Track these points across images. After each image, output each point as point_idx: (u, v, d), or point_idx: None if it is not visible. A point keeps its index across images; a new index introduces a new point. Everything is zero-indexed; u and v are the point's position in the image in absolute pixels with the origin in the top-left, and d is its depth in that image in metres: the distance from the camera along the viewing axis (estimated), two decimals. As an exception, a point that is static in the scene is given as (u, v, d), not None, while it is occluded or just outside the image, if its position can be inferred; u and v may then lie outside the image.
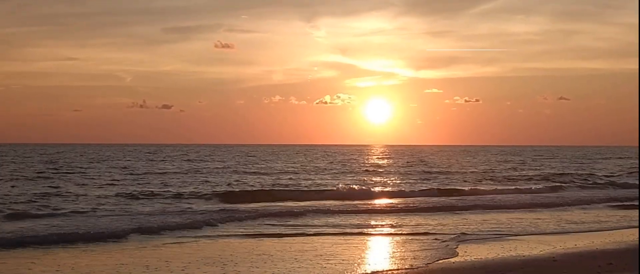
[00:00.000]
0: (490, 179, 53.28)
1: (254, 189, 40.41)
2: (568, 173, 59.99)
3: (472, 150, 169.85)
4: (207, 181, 46.30)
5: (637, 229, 22.53)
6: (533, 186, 45.55)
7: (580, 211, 30.08)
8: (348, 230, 22.15)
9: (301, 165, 74.46)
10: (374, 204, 32.56)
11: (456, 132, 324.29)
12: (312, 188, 41.69)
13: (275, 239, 19.81)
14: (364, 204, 31.86)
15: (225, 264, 15.33)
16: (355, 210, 29.18)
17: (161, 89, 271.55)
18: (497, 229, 22.68)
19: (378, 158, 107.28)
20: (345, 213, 27.75)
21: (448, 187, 43.28)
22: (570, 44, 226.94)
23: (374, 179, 52.70)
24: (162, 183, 44.30)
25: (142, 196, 33.79)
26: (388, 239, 20.51)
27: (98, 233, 19.82)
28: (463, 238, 20.11)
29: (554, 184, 47.28)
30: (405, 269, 14.86)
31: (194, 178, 50.08)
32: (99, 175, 51.03)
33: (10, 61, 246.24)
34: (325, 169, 66.81)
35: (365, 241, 20.08)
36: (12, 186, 39.05)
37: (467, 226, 23.29)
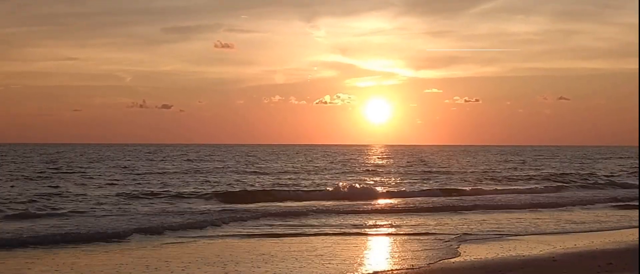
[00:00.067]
0: (490, 179, 53.28)
1: (254, 189, 40.39)
2: (568, 173, 59.99)
3: (472, 150, 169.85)
4: (207, 181, 46.29)
5: (637, 229, 22.54)
6: (533, 186, 45.54)
7: (581, 211, 30.08)
8: (348, 230, 22.14)
9: (301, 165, 74.44)
10: (375, 204, 32.54)
11: (456, 132, 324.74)
12: (312, 188, 41.67)
13: (276, 240, 19.81)
14: (365, 204, 31.84)
15: (225, 264, 15.33)
16: (356, 210, 29.16)
17: (161, 89, 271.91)
18: (497, 229, 22.68)
19: (378, 158, 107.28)
20: (345, 213, 27.73)
21: (448, 187, 43.28)
22: (570, 44, 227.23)
23: (374, 179, 52.70)
24: (162, 183, 44.29)
25: (142, 196, 33.76)
26: (389, 239, 20.51)
27: (98, 233, 19.81)
28: (464, 238, 20.11)
29: (555, 184, 47.28)
30: (406, 269, 14.86)
31: (194, 178, 50.06)
32: (99, 175, 51.02)
33: (10, 61, 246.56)
34: (325, 169, 66.81)
35: (365, 241, 20.09)
36: (12, 186, 39.04)
37: (467, 226, 23.29)
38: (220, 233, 21.19)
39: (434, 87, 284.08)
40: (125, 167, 64.32)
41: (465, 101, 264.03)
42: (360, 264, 15.62)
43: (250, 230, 22.01)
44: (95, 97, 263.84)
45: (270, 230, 22.03)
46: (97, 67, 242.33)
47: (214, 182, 45.84)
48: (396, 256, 16.91)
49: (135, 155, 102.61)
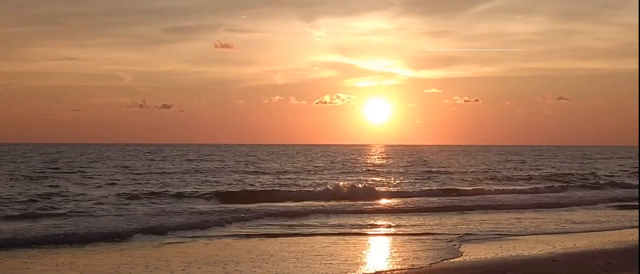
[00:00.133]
0: (490, 179, 53.31)
1: (255, 189, 40.40)
2: (569, 173, 59.99)
3: (472, 150, 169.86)
4: (207, 181, 46.31)
5: (637, 229, 22.56)
6: (533, 186, 45.56)
7: (580, 212, 30.09)
8: (349, 230, 22.14)
9: (301, 165, 74.47)
10: (375, 204, 32.54)
11: (456, 132, 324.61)
12: (312, 188, 41.66)
13: (276, 239, 19.81)
14: (365, 204, 31.83)
15: (226, 264, 15.33)
16: (356, 210, 29.17)
17: (161, 89, 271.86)
18: (497, 229, 22.69)
19: (378, 158, 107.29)
20: (346, 213, 27.75)
21: (449, 187, 43.29)
22: (570, 44, 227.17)
23: (374, 179, 52.71)
24: (162, 183, 44.30)
25: (142, 196, 33.73)
26: (389, 239, 20.52)
27: (98, 233, 19.80)
28: (465, 238, 20.12)
29: (555, 184, 47.30)
30: (407, 269, 14.87)
31: (194, 178, 50.08)
32: (99, 175, 51.04)
33: (10, 61, 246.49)
34: (326, 169, 66.83)
35: (366, 241, 20.10)
36: (12, 186, 39.05)
37: (468, 226, 23.30)
38: (221, 233, 21.19)
39: (434, 87, 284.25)
40: (125, 167, 64.34)
41: (465, 101, 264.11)
42: (361, 264, 15.64)
43: (251, 230, 22.02)
44: (95, 97, 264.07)
45: (270, 230, 22.03)
46: (97, 67, 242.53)
47: (214, 182, 45.86)
48: (397, 256, 16.92)
49: (135, 155, 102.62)
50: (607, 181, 51.27)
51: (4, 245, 17.63)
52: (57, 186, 39.79)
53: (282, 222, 24.45)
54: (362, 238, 20.59)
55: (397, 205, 31.95)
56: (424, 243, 19.16)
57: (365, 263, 15.94)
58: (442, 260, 15.97)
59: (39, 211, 26.01)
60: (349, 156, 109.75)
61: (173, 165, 72.02)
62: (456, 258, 16.39)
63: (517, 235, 21.10)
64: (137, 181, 44.93)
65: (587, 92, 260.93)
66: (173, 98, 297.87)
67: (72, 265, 15.21)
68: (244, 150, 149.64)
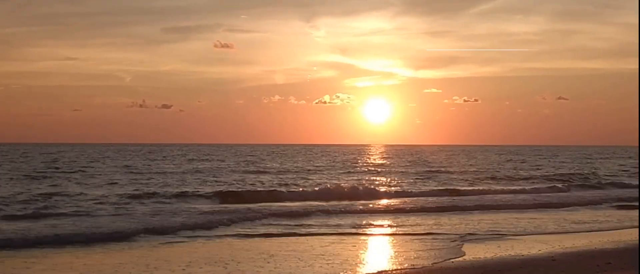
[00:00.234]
0: (491, 179, 53.31)
1: (255, 189, 40.42)
2: (568, 173, 59.97)
3: (472, 150, 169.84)
4: (207, 181, 46.32)
5: (636, 229, 22.60)
6: (534, 186, 45.59)
7: (580, 211, 30.13)
8: (350, 230, 22.17)
9: (301, 165, 74.49)
10: (376, 204, 32.59)
11: (455, 132, 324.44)
12: (313, 187, 41.67)
13: (278, 239, 19.84)
14: (366, 204, 31.87)
15: (227, 263, 15.36)
16: (358, 210, 29.22)
17: (161, 89, 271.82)
18: (497, 229, 22.72)
19: (378, 158, 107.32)
20: (347, 213, 27.80)
21: (449, 187, 43.30)
22: (569, 44, 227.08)
23: (375, 179, 52.74)
24: (162, 182, 44.30)
25: (143, 196, 33.70)
26: (391, 239, 20.56)
27: (99, 234, 19.81)
28: (468, 238, 20.14)
29: (554, 184, 47.32)
30: (408, 269, 14.90)
31: (194, 178, 50.09)
32: (100, 175, 51.06)
33: (10, 61, 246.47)
34: (326, 169, 66.85)
35: (367, 241, 20.15)
36: (12, 186, 39.08)
37: (468, 226, 23.34)
38: (222, 233, 21.22)
39: (434, 87, 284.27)
40: (125, 166, 64.33)
41: (465, 101, 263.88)
42: (362, 264, 15.68)
43: (252, 230, 22.04)
44: (95, 96, 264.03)
45: (271, 230, 22.04)
46: (97, 67, 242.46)
47: (215, 182, 45.88)
48: (399, 256, 16.93)
49: (136, 155, 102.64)
50: (607, 181, 51.26)
51: (5, 245, 17.64)
52: (57, 185, 39.83)
53: (284, 222, 24.48)
54: (363, 238, 20.64)
55: (397, 204, 31.99)
56: (425, 243, 19.19)
57: (366, 263, 15.99)
58: (445, 260, 16.00)
59: (40, 211, 25.98)
60: (349, 156, 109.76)
61: (173, 164, 72.03)
62: (459, 257, 16.42)
63: (516, 235, 21.14)
64: (138, 181, 44.94)
65: (586, 92, 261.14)
66: (173, 98, 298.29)
67: (72, 265, 15.25)
68: (243, 150, 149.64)
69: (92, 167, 62.98)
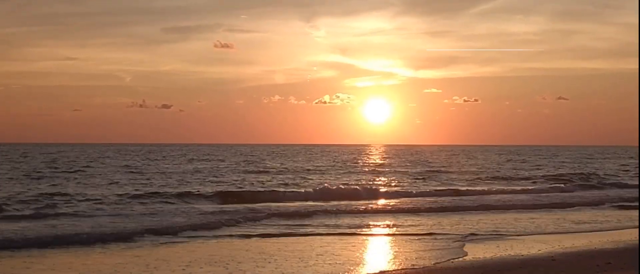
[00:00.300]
0: (492, 179, 53.33)
1: (255, 189, 40.43)
2: (568, 173, 59.98)
3: (471, 150, 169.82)
4: (208, 181, 46.31)
5: (636, 229, 22.60)
6: (534, 186, 45.60)
7: (580, 211, 30.15)
8: (351, 230, 22.15)
9: (302, 165, 74.50)
10: (377, 204, 32.60)
11: (455, 132, 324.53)
12: (313, 188, 41.64)
13: (278, 239, 19.83)
14: (367, 204, 31.89)
15: (227, 263, 15.36)
16: (358, 210, 29.22)
17: (161, 89, 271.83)
18: (497, 229, 22.73)
19: (379, 158, 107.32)
20: (347, 213, 27.81)
21: (450, 187, 43.30)
22: (569, 44, 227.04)
23: (376, 179, 52.74)
24: (163, 183, 44.30)
25: (143, 196, 33.67)
26: (392, 239, 20.54)
27: (98, 234, 19.76)
28: (470, 238, 20.14)
29: (555, 184, 47.34)
30: (409, 269, 14.90)
31: (194, 178, 50.09)
32: (100, 175, 51.05)
33: (10, 61, 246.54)
34: (327, 169, 66.84)
35: (368, 241, 20.15)
36: (12, 186, 39.07)
37: (466, 226, 23.33)
38: (222, 233, 21.21)
39: (433, 87, 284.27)
40: (125, 166, 64.33)
41: (465, 101, 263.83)
42: (363, 264, 15.68)
43: (252, 230, 22.04)
44: (95, 96, 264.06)
45: (272, 230, 22.04)
46: (97, 67, 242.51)
47: (216, 182, 45.87)
48: (401, 256, 16.89)
49: (136, 155, 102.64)
50: (607, 181, 51.25)
51: (5, 245, 17.61)
52: (57, 185, 39.84)
53: (285, 222, 24.50)
54: (363, 238, 20.64)
55: (398, 204, 32.00)
56: (427, 243, 19.18)
57: (367, 263, 15.99)
58: (447, 260, 15.99)
59: (40, 211, 26.00)
60: (349, 156, 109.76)
61: (174, 164, 72.04)
62: (462, 257, 16.42)
63: (516, 235, 21.14)
64: (138, 181, 44.95)
65: (586, 92, 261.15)
66: (173, 98, 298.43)
67: (71, 265, 15.24)
68: (243, 150, 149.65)
69: (92, 167, 62.96)
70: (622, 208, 31.60)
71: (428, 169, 66.95)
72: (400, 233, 21.77)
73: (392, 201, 33.90)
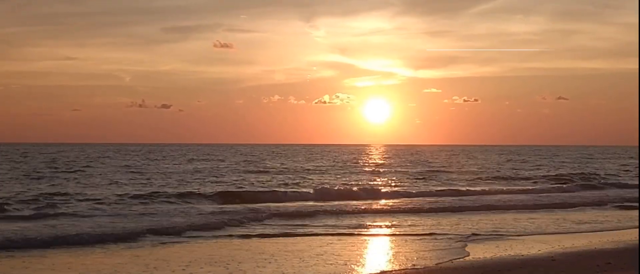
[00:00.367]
0: (492, 179, 53.31)
1: (256, 189, 40.41)
2: (569, 173, 59.97)
3: (471, 150, 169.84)
4: (208, 181, 46.30)
5: (636, 229, 22.60)
6: (534, 186, 45.60)
7: (580, 211, 30.16)
8: (351, 231, 22.15)
9: (302, 165, 74.50)
10: (378, 204, 32.60)
11: (455, 132, 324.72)
12: (314, 188, 41.62)
13: (278, 239, 19.82)
14: (368, 204, 31.91)
15: (228, 264, 15.35)
16: (359, 210, 29.22)
17: (160, 89, 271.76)
18: (497, 229, 22.73)
19: (379, 158, 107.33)
20: (348, 214, 27.82)
21: (451, 187, 43.30)
22: (569, 44, 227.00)
23: (376, 179, 52.76)
24: (164, 183, 44.29)
25: (143, 196, 33.64)
26: (393, 239, 20.53)
27: (98, 234, 19.74)
28: (471, 238, 20.13)
29: (555, 184, 47.34)
30: (409, 269, 14.90)
31: (194, 178, 50.08)
32: (100, 175, 51.04)
33: (10, 61, 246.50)
34: (328, 169, 66.85)
35: (368, 241, 20.15)
36: (12, 186, 39.07)
37: (466, 226, 23.34)
38: (222, 233, 21.20)
39: (433, 86, 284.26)
40: (125, 166, 64.32)
41: (464, 101, 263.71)
42: (364, 265, 15.68)
43: (253, 230, 22.04)
44: (94, 96, 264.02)
45: (272, 230, 22.04)
46: (97, 67, 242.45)
47: (216, 182, 45.86)
48: (402, 256, 16.86)
49: (135, 155, 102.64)
50: (607, 181, 51.26)
51: (4, 245, 17.57)
52: (57, 185, 39.83)
53: (285, 222, 24.49)
54: (364, 238, 20.64)
55: (398, 205, 31.99)
56: (429, 243, 19.17)
57: (368, 263, 15.99)
58: (450, 260, 15.98)
59: (40, 211, 25.99)
60: (349, 156, 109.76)
61: (174, 164, 72.04)
62: (464, 257, 16.41)
63: (516, 235, 21.13)
64: (138, 181, 44.95)
65: (586, 92, 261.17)
66: (172, 98, 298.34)
67: (71, 265, 15.23)
68: (243, 150, 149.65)
69: (92, 167, 62.95)
70: (622, 208, 31.60)
71: (428, 169, 66.95)
72: (401, 233, 21.76)
73: (393, 202, 33.91)
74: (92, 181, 44.68)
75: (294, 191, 38.67)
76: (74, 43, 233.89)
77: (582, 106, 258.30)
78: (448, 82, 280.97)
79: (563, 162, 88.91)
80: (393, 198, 36.17)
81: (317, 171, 61.92)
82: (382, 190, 40.82)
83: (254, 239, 19.99)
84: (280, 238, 20.23)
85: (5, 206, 27.42)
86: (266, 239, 19.84)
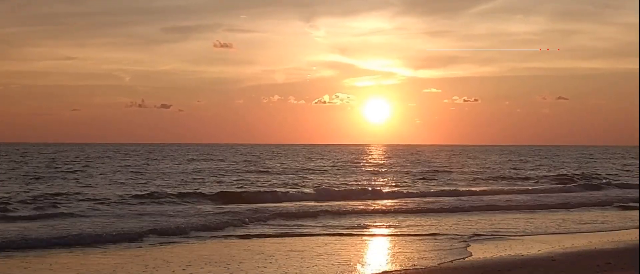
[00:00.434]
0: (492, 179, 53.32)
1: (256, 189, 40.39)
2: (569, 173, 60.00)
3: (471, 150, 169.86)
4: (208, 182, 46.29)
5: (637, 229, 22.60)
6: (534, 187, 45.58)
7: (580, 212, 30.16)
8: (351, 231, 22.14)
9: (302, 165, 74.49)
10: (379, 204, 32.56)
11: (455, 132, 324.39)
12: (314, 188, 41.64)
13: (279, 240, 19.82)
14: (368, 204, 31.90)
15: (228, 264, 15.35)
16: (359, 210, 29.22)
17: (160, 89, 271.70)
18: (498, 229, 22.72)
19: (379, 158, 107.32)
20: (348, 214, 27.82)
21: (451, 187, 43.29)
22: (569, 44, 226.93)
23: (377, 179, 52.74)
24: (164, 183, 44.28)
25: (143, 197, 33.59)
26: (394, 240, 20.52)
27: (98, 234, 19.74)
28: (473, 238, 20.12)
29: (556, 184, 47.33)
30: (410, 269, 14.90)
31: (194, 178, 50.06)
32: (100, 175, 51.03)
33: (10, 60, 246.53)
34: (328, 169, 66.83)
35: (369, 241, 20.14)
36: (12, 186, 39.06)
37: (469, 227, 23.34)
38: (222, 233, 21.20)
39: (433, 86, 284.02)
40: (126, 166, 64.32)
41: (464, 101, 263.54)
42: (364, 265, 15.67)
43: (253, 230, 22.05)
44: (94, 96, 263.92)
45: (273, 230, 22.03)
46: (96, 67, 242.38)
47: (217, 182, 45.84)
48: (404, 256, 16.85)
49: (135, 155, 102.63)
50: (607, 181, 51.25)
51: (4, 246, 17.55)
52: (57, 185, 39.81)
53: (285, 222, 24.49)
54: (364, 238, 20.64)
55: (399, 205, 31.98)
56: (431, 243, 19.16)
57: (369, 263, 15.98)
58: (451, 260, 15.97)
59: (39, 212, 25.99)
60: (349, 156, 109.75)
61: (174, 164, 72.04)
62: (465, 258, 16.40)
63: (516, 235, 21.13)
64: (138, 181, 44.94)
65: (586, 92, 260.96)
66: (172, 97, 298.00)
67: (71, 265, 15.22)
68: (243, 150, 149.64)
69: (92, 167, 62.94)
70: (622, 209, 31.60)
71: (428, 169, 66.93)
72: (402, 233, 21.75)
73: (393, 202, 33.90)
74: (92, 181, 44.68)
75: (294, 192, 38.66)
76: (74, 43, 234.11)
77: (582, 106, 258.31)
78: (448, 82, 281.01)
79: (564, 162, 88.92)
80: (393, 198, 36.17)
81: (318, 171, 61.92)
82: (383, 190, 40.82)
83: (254, 239, 19.99)
84: (281, 238, 20.23)
85: (6, 206, 27.41)
86: (266, 239, 19.84)
